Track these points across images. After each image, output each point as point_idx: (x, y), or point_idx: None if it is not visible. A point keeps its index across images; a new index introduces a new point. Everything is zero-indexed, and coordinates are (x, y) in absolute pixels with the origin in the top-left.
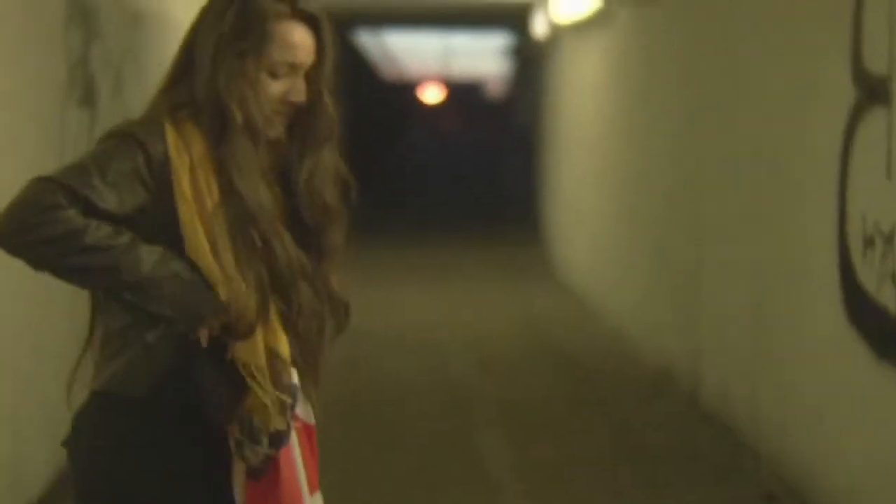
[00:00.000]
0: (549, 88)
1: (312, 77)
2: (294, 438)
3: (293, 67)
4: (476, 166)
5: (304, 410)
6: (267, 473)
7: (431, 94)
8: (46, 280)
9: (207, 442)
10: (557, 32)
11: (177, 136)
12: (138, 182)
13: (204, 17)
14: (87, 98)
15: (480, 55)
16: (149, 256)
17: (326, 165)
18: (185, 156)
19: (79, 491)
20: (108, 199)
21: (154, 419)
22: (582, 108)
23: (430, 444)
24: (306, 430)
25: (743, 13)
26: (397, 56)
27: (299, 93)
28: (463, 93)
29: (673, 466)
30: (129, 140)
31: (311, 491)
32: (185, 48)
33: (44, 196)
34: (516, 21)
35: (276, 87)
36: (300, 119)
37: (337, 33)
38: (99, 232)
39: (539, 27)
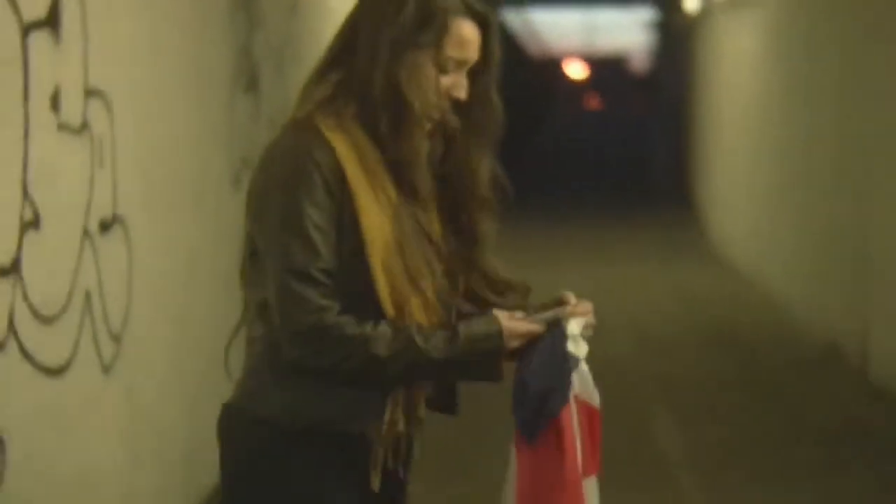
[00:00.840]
0: (699, 63)
1: (476, 75)
2: (575, 414)
3: (460, 63)
4: (622, 142)
5: (585, 390)
6: (543, 439)
7: (575, 70)
8: (218, 277)
9: (344, 463)
10: (709, 6)
11: (340, 139)
12: (331, 214)
13: (373, 7)
14: (252, 85)
15: (624, 30)
16: (435, 343)
17: (487, 162)
18: (356, 162)
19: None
20: (330, 256)
21: (292, 443)
22: (735, 81)
23: None
24: (587, 411)
25: None
26: (541, 32)
27: (462, 89)
28: (607, 68)
29: (845, 444)
30: (304, 171)
31: (587, 473)
32: (346, 38)
33: (310, 318)
34: None
35: (443, 82)
36: (465, 115)
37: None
38: (382, 339)
39: (690, 1)
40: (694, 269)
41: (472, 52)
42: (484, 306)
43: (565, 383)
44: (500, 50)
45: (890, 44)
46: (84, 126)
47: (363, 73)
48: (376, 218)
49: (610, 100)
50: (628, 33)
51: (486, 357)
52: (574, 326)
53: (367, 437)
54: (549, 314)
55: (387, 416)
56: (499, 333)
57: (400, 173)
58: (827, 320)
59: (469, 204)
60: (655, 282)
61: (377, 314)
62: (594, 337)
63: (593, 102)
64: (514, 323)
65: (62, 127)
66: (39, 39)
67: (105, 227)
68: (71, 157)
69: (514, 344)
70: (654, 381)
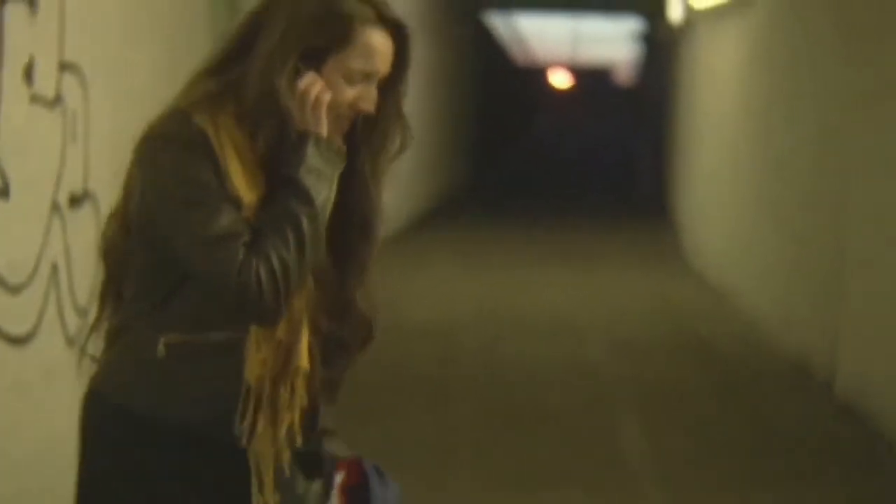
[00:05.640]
0: (682, 75)
1: (386, 86)
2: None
3: (368, 75)
4: (605, 152)
5: (341, 450)
6: None
7: (560, 79)
8: None
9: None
10: (693, 17)
11: (214, 132)
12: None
13: (275, 4)
14: None
15: (610, 41)
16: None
17: (381, 182)
18: (232, 151)
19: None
20: (231, 210)
21: (154, 438)
22: (717, 94)
23: (566, 428)
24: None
25: None
26: (527, 40)
27: (369, 101)
28: (592, 78)
29: (810, 458)
30: (191, 156)
31: None
32: (245, 32)
33: (238, 274)
34: (647, 6)
35: (348, 93)
36: (370, 129)
37: (471, 16)
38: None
39: (674, 12)
40: (669, 279)
41: (382, 64)
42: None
43: None
44: (411, 63)
45: (869, 57)
46: (57, 99)
47: (246, 74)
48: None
49: (594, 109)
50: (614, 44)
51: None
52: None
53: (237, 446)
54: None
55: (246, 423)
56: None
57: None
58: (796, 335)
59: (351, 226)
60: (630, 290)
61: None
62: (567, 340)
63: (577, 111)
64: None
65: (35, 99)
66: (16, 11)
67: (75, 201)
68: (43, 129)
69: None
70: (623, 386)
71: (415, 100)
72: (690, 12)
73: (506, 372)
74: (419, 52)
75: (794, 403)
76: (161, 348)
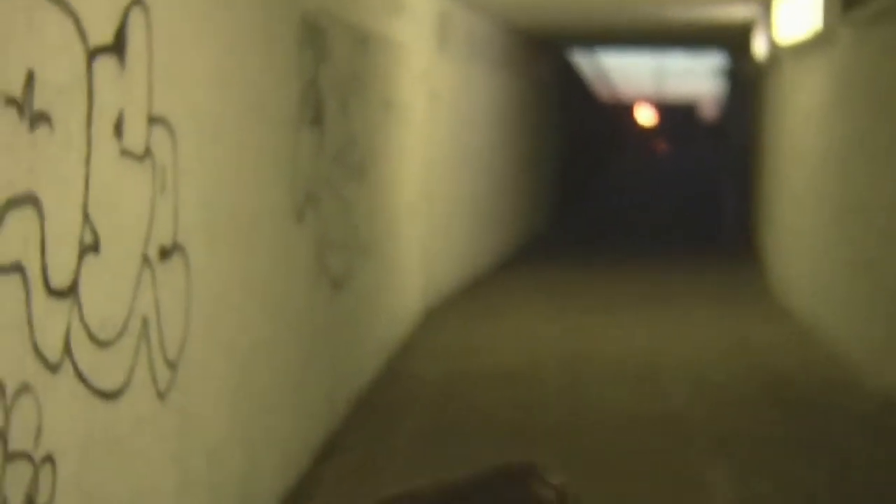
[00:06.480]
0: (767, 110)
1: None
2: None
3: None
4: (689, 186)
5: None
6: None
7: (644, 115)
8: (274, 310)
9: None
10: (777, 53)
11: None
12: None
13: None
14: (317, 119)
15: (694, 76)
16: None
17: None
18: None
19: None
20: None
21: None
22: (802, 129)
23: (651, 475)
24: None
25: None
26: (612, 76)
27: None
28: (676, 113)
29: None
30: None
31: None
32: None
33: None
34: (731, 42)
35: None
36: None
37: (556, 53)
38: None
39: (759, 48)
40: (754, 316)
41: None
42: None
43: None
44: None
45: None
46: (147, 153)
47: None
48: None
49: (678, 143)
50: (699, 79)
51: None
52: None
53: None
54: None
55: None
56: None
57: None
58: (886, 375)
59: None
60: (716, 330)
61: None
62: (651, 383)
63: (662, 145)
64: None
65: (125, 153)
66: (105, 65)
67: (165, 254)
68: (132, 183)
69: None
70: (709, 430)
71: (501, 139)
72: (775, 48)
73: (588, 415)
74: (506, 88)
75: (884, 447)
76: None
